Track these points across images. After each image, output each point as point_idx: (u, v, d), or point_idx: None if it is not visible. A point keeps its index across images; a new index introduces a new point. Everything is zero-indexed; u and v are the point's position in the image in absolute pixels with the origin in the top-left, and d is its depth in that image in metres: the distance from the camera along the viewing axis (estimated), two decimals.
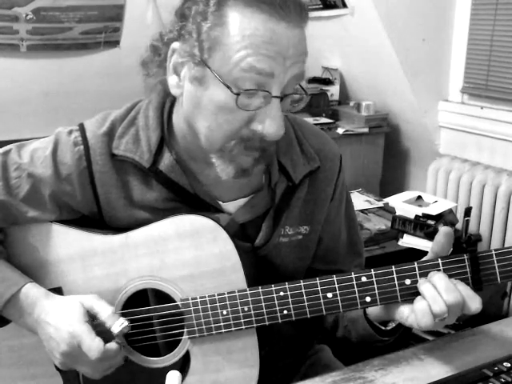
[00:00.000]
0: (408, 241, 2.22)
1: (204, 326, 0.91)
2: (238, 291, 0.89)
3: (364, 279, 0.87)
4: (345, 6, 2.73)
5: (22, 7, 2.48)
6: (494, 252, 0.85)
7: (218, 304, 0.90)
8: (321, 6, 2.85)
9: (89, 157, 0.95)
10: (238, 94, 0.81)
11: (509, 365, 0.88)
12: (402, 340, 0.89)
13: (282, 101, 0.85)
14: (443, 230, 0.88)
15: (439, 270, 0.85)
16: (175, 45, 0.87)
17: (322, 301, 0.87)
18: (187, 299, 0.91)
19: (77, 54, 2.79)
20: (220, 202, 0.98)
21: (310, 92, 0.89)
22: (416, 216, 2.26)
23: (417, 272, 0.86)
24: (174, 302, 0.92)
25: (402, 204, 2.36)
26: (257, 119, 0.85)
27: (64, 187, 0.96)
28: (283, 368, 1.12)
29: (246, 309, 0.89)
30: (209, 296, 0.90)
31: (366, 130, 2.83)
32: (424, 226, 2.22)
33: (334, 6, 2.78)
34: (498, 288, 2.13)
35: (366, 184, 2.82)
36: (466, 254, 0.85)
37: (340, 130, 2.79)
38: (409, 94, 2.73)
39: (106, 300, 0.91)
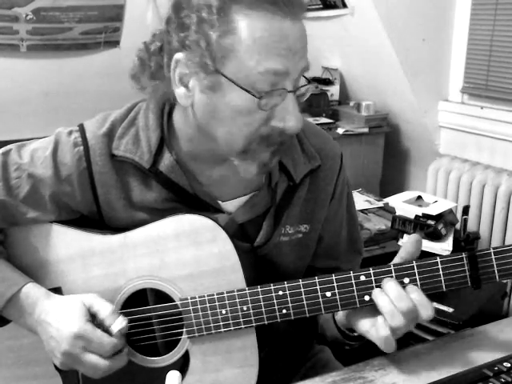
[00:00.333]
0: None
1: (203, 326, 0.91)
2: (237, 291, 0.89)
3: (363, 278, 0.87)
4: (345, 6, 2.73)
5: (22, 7, 2.48)
6: (492, 250, 0.85)
7: (217, 303, 0.90)
8: (321, 5, 2.85)
9: (89, 157, 0.95)
10: (260, 98, 0.82)
11: (509, 365, 0.88)
12: (402, 340, 0.89)
13: (295, 94, 0.86)
14: (413, 237, 0.89)
15: (437, 269, 0.85)
16: (178, 56, 0.85)
17: (320, 300, 0.88)
18: (186, 299, 0.91)
19: (77, 54, 2.79)
20: (220, 202, 0.98)
21: (310, 92, 0.90)
22: (416, 216, 2.26)
23: (415, 270, 0.86)
24: (173, 301, 0.92)
25: (402, 204, 2.36)
26: (276, 116, 0.85)
27: (64, 188, 0.96)
28: (283, 368, 1.12)
29: (245, 308, 0.89)
30: (208, 295, 0.90)
31: (366, 130, 2.83)
32: (424, 226, 2.22)
33: (333, 6, 2.78)
34: (498, 288, 2.13)
35: (366, 184, 2.82)
36: (465, 252, 0.85)
37: (340, 130, 2.79)
38: (409, 94, 2.73)
39: (105, 300, 0.91)
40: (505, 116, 2.47)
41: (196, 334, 0.92)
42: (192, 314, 0.91)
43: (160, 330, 0.95)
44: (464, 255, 0.85)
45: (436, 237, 2.18)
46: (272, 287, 0.89)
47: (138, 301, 0.95)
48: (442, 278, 0.86)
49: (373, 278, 0.87)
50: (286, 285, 0.88)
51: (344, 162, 1.09)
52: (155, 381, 0.92)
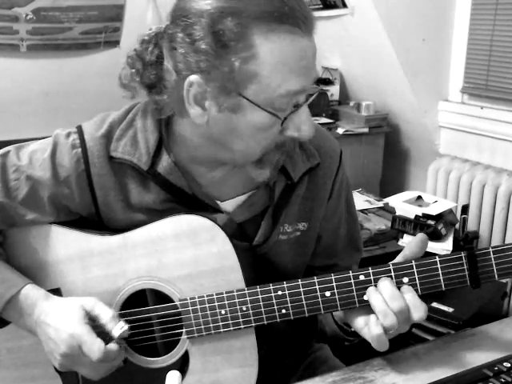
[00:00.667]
0: (408, 241, 2.21)
1: (203, 326, 0.91)
2: (237, 291, 0.89)
3: (362, 277, 0.87)
4: (345, 5, 2.73)
5: (22, 7, 2.48)
6: (491, 249, 0.85)
7: (216, 304, 0.90)
8: (321, 5, 2.85)
9: (87, 159, 0.95)
10: (284, 119, 0.86)
11: (509, 365, 0.87)
12: (402, 340, 0.89)
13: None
14: (419, 237, 0.89)
15: (436, 269, 0.85)
16: (193, 78, 0.84)
17: (320, 299, 0.88)
18: (185, 299, 0.91)
19: (77, 54, 2.78)
20: (218, 202, 0.98)
21: (317, 93, 0.92)
22: (416, 216, 2.26)
23: (414, 270, 0.86)
24: (173, 302, 0.92)
25: (402, 204, 2.36)
26: (290, 127, 0.88)
27: (62, 190, 0.96)
28: (282, 367, 1.12)
29: (244, 308, 0.89)
30: (207, 296, 0.90)
31: (366, 129, 2.83)
32: (424, 226, 2.22)
33: (333, 6, 2.78)
34: (498, 288, 2.13)
35: (366, 184, 2.82)
36: (464, 251, 0.85)
37: (340, 130, 2.79)
38: (409, 94, 2.73)
39: (104, 301, 0.91)
40: (505, 116, 2.47)
41: (195, 335, 0.92)
42: (191, 315, 0.91)
43: (159, 330, 0.95)
44: (463, 254, 0.85)
45: (436, 237, 2.18)
46: (271, 287, 0.88)
47: (138, 301, 0.95)
48: (441, 278, 0.86)
49: (372, 277, 0.87)
50: (285, 285, 0.88)
51: (344, 161, 1.09)
52: (155, 381, 0.92)
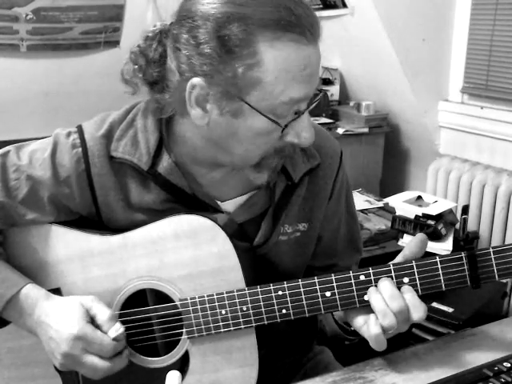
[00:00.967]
0: (408, 241, 2.21)
1: (203, 326, 0.91)
2: (237, 291, 0.89)
3: (362, 278, 0.87)
4: (345, 5, 2.73)
5: (21, 7, 2.47)
6: (491, 250, 0.85)
7: (216, 304, 0.90)
8: (321, 5, 2.85)
9: (87, 159, 0.95)
10: (284, 127, 0.86)
11: (509, 365, 0.88)
12: (402, 340, 0.89)
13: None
14: (418, 237, 0.89)
15: (436, 269, 0.85)
16: (196, 81, 0.84)
17: (320, 300, 0.88)
18: (186, 299, 0.91)
19: (77, 54, 2.78)
20: (219, 202, 0.98)
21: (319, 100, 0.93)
22: (416, 216, 2.26)
23: (415, 270, 0.86)
24: (173, 302, 0.92)
25: (402, 204, 2.36)
26: (290, 133, 0.88)
27: (62, 189, 0.96)
28: (282, 368, 1.12)
29: (244, 308, 0.89)
30: (207, 296, 0.90)
31: (366, 129, 2.83)
32: (424, 226, 2.22)
33: (333, 6, 2.78)
34: (498, 288, 2.13)
35: (366, 184, 2.82)
36: (464, 252, 0.85)
37: (340, 130, 2.79)
38: (409, 94, 2.73)
39: (104, 300, 0.91)
40: (505, 116, 2.47)
41: (196, 335, 0.92)
42: (192, 315, 0.91)
43: (160, 330, 0.95)
44: (463, 254, 0.85)
45: (436, 237, 2.18)
46: (271, 287, 0.89)
47: (138, 301, 0.95)
48: (442, 278, 0.86)
49: (372, 277, 0.87)
50: (286, 285, 0.88)
51: (344, 161, 1.09)
52: (155, 381, 0.92)
